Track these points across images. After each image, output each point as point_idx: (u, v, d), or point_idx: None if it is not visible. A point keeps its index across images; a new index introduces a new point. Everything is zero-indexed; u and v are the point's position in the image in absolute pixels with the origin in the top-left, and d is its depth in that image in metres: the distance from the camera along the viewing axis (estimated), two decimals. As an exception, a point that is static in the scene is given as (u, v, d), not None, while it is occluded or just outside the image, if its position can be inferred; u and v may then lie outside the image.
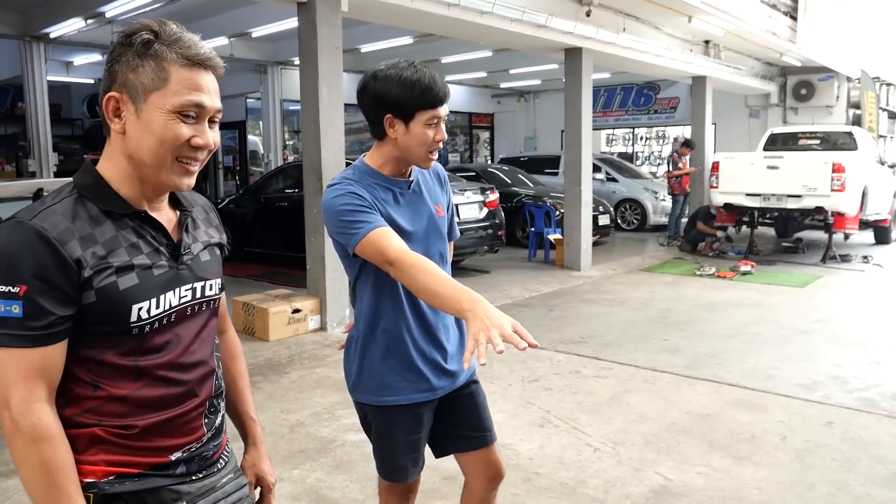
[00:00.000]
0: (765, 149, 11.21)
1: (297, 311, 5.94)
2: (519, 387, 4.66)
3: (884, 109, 14.68)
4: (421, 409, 1.95)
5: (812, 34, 10.95)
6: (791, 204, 9.55)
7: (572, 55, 8.79)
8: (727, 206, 10.19)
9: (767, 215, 10.14)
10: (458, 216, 8.26)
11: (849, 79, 13.90)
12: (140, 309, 1.18)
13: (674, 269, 9.41)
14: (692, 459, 3.47)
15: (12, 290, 1.09)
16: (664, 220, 13.07)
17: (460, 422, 2.04)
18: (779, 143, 11.23)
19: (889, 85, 15.16)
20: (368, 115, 1.87)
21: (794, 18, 10.69)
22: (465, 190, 8.66)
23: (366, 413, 1.99)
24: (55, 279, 1.11)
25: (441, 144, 1.86)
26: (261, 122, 14.60)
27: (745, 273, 8.93)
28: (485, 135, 20.47)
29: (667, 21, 9.44)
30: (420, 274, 1.65)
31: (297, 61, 12.54)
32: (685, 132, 18.83)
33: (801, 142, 10.71)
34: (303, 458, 3.57)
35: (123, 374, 1.20)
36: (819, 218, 9.67)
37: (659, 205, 13.44)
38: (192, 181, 1.23)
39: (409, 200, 1.93)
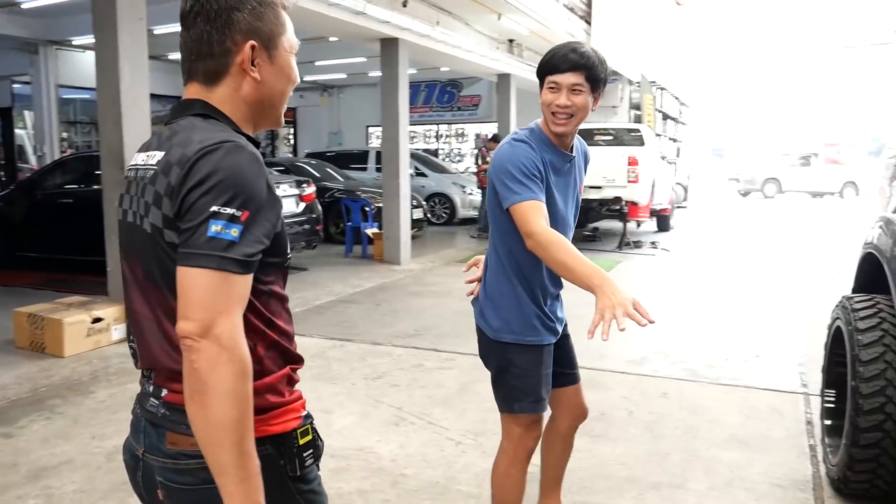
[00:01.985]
0: (563, 144, 11.88)
1: (97, 320, 5.17)
2: (364, 385, 4.40)
3: (659, 111, 16.24)
4: (551, 348, 2.21)
5: (603, 39, 11.78)
6: (592, 195, 10.19)
7: (389, 46, 8.64)
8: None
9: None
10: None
11: (630, 82, 15.19)
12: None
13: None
14: (553, 443, 3.44)
15: (236, 214, 1.07)
16: (472, 213, 13.41)
17: (561, 360, 2.31)
18: (577, 138, 11.96)
19: (663, 89, 16.82)
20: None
21: (589, 23, 11.43)
22: (280, 183, 8.18)
23: (507, 352, 2.17)
24: (268, 209, 1.12)
25: (564, 110, 2.03)
26: (28, 112, 12.83)
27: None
28: (286, 129, 19.78)
29: (478, 18, 9.62)
30: (556, 251, 1.89)
31: (76, 41, 11.28)
32: (488, 129, 19.61)
33: (596, 137, 11.48)
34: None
35: (285, 306, 1.24)
36: (615, 207, 10.43)
37: (467, 199, 13.77)
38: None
39: (567, 170, 2.15)
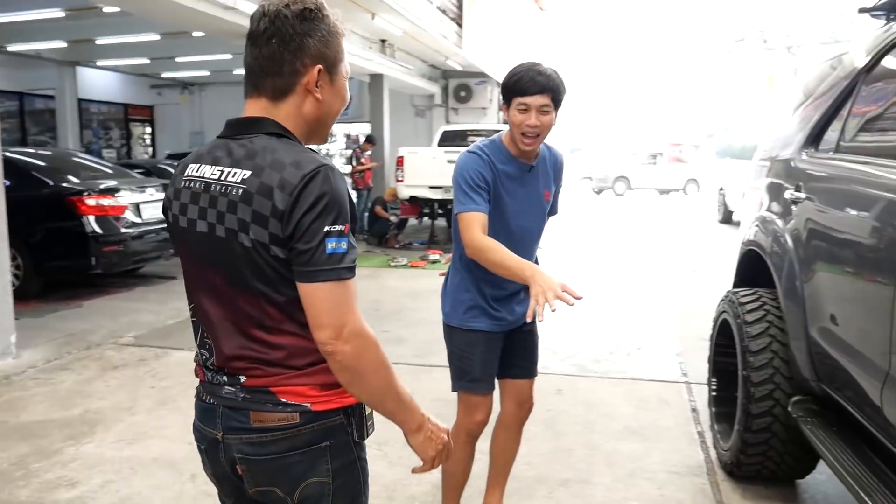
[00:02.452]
0: (439, 145, 11.97)
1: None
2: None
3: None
4: (493, 336, 2.43)
5: (474, 41, 11.98)
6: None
7: (259, 42, 8.30)
8: (412, 198, 10.66)
9: (448, 206, 10.84)
10: (140, 216, 7.30)
11: (499, 84, 15.58)
12: None
13: (368, 262, 9.53)
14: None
15: (341, 230, 1.24)
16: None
17: (518, 353, 2.53)
18: (450, 139, 12.07)
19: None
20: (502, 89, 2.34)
21: (460, 25, 11.58)
22: (146, 187, 7.64)
23: (453, 335, 2.46)
24: (351, 217, 1.28)
25: (534, 129, 2.22)
26: None
27: (434, 261, 9.41)
28: (142, 129, 18.61)
29: (351, 16, 9.47)
30: (490, 254, 2.16)
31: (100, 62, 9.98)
32: (359, 130, 19.38)
33: (469, 138, 11.66)
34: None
35: None
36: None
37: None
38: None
39: (525, 180, 2.36)
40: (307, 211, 1.22)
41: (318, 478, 1.35)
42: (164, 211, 1.44)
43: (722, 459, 3.16)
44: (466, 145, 10.92)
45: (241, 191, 1.26)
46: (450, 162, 10.29)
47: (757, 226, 3.21)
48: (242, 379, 1.34)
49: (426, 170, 10.39)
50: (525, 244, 2.40)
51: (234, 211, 1.27)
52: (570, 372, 4.69)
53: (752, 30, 22.67)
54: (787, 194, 2.88)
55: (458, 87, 15.58)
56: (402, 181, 10.58)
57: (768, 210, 3.12)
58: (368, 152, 12.04)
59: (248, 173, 1.27)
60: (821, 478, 3.05)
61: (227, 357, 1.35)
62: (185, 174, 1.36)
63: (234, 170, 1.29)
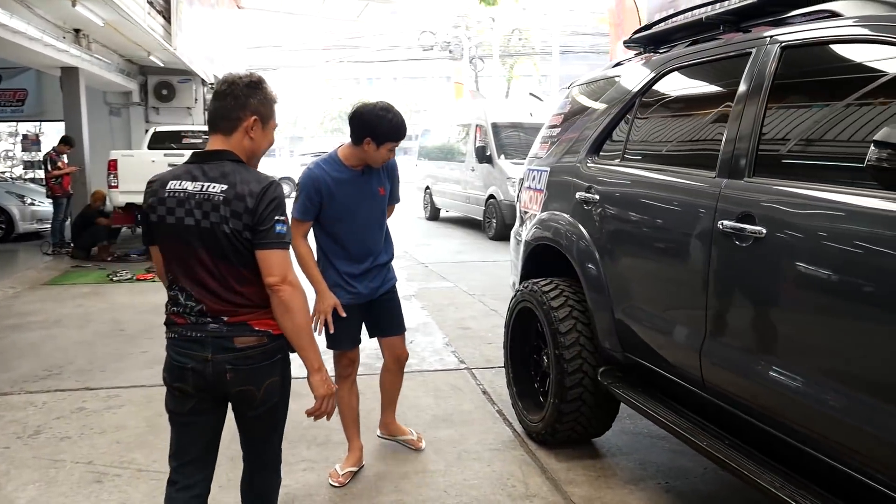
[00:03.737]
0: (149, 147, 11.07)
1: None
2: (23, 447, 3.59)
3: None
4: (351, 306, 3.09)
5: (183, 37, 11.28)
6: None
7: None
8: (129, 205, 9.73)
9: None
10: None
11: (204, 82, 14.83)
12: None
13: (84, 279, 8.52)
14: (299, 460, 3.37)
15: (285, 220, 2.03)
16: (38, 226, 11.60)
17: (383, 317, 3.29)
18: (161, 140, 11.22)
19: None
20: (354, 130, 2.93)
21: (167, 19, 10.81)
22: None
23: None
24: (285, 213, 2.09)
25: (388, 157, 3.03)
26: None
27: (164, 273, 8.73)
28: None
29: (48, 5, 8.33)
30: (301, 260, 2.93)
31: None
32: (35, 128, 16.92)
33: (186, 140, 10.98)
34: None
35: None
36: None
37: (28, 210, 11.82)
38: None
39: (359, 182, 3.03)
40: (265, 207, 1.96)
41: (275, 377, 2.09)
42: (147, 214, 2.05)
43: (533, 431, 3.58)
44: (182, 147, 10.25)
45: (222, 197, 1.95)
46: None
47: (548, 224, 3.68)
48: (225, 318, 2.02)
49: (144, 174, 9.48)
50: (369, 228, 3.14)
51: (217, 210, 1.95)
52: (363, 372, 4.80)
53: (438, 40, 24.69)
54: (579, 195, 3.37)
55: (158, 84, 14.48)
56: (115, 187, 9.59)
57: (560, 210, 3.60)
58: (64, 155, 10.64)
59: (226, 186, 1.96)
60: (609, 433, 3.61)
61: (213, 306, 2.02)
62: (168, 188, 2.01)
63: (213, 184, 1.97)
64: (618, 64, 3.77)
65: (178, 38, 10.95)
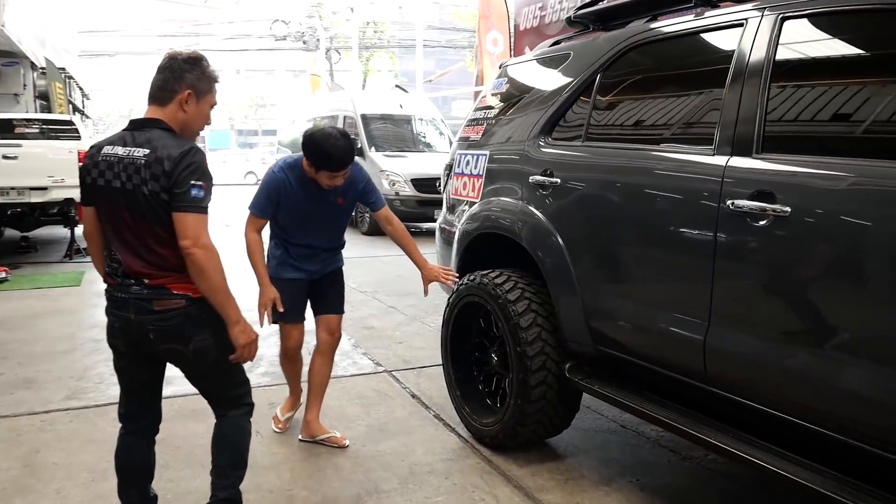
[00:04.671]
0: (-27, 137, 9.61)
1: None
2: None
3: (70, 102, 14.57)
4: (296, 284, 3.29)
5: (11, 10, 9.90)
6: (36, 198, 8.58)
7: None
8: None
9: (9, 212, 8.83)
10: None
11: (34, 66, 13.19)
12: None
13: None
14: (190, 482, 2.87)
15: (201, 184, 2.09)
16: None
17: (321, 294, 3.39)
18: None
19: (71, 78, 15.10)
20: (306, 153, 3.03)
21: (-6, -9, 9.42)
22: None
23: (275, 284, 3.16)
24: (211, 181, 2.15)
25: (335, 185, 3.09)
26: None
27: (2, 281, 7.59)
28: None
29: None
30: (249, 250, 3.13)
31: None
32: None
33: (18, 129, 9.65)
34: None
35: None
36: (55, 211, 9.02)
37: None
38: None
39: (316, 192, 3.14)
40: (182, 170, 2.04)
41: (202, 336, 2.19)
42: (84, 176, 2.18)
43: (486, 435, 3.30)
44: (14, 136, 8.96)
45: (143, 161, 2.06)
46: (7, 158, 8.40)
47: (493, 212, 3.41)
48: (146, 281, 2.13)
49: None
50: (324, 234, 3.30)
51: (138, 173, 2.06)
52: (268, 382, 4.31)
53: (291, 30, 23.71)
54: (533, 179, 3.13)
55: (-23, 67, 12.67)
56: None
57: (507, 196, 3.35)
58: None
59: (149, 151, 2.07)
60: (566, 432, 3.41)
61: (134, 268, 2.14)
62: (102, 153, 2.15)
63: (139, 149, 2.09)
64: (556, 42, 3.58)
65: (5, 12, 9.59)
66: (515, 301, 3.09)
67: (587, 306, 2.86)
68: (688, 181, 2.43)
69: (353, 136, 12.07)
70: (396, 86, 16.18)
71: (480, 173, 3.60)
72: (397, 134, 12.86)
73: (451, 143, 12.89)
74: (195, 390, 2.44)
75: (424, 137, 13.22)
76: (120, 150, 2.10)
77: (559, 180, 3.00)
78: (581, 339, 2.93)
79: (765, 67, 2.24)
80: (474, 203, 3.61)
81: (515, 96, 3.54)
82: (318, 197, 3.13)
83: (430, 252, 4.13)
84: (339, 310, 3.43)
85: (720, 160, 2.30)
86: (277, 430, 3.54)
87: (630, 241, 2.68)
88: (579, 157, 2.98)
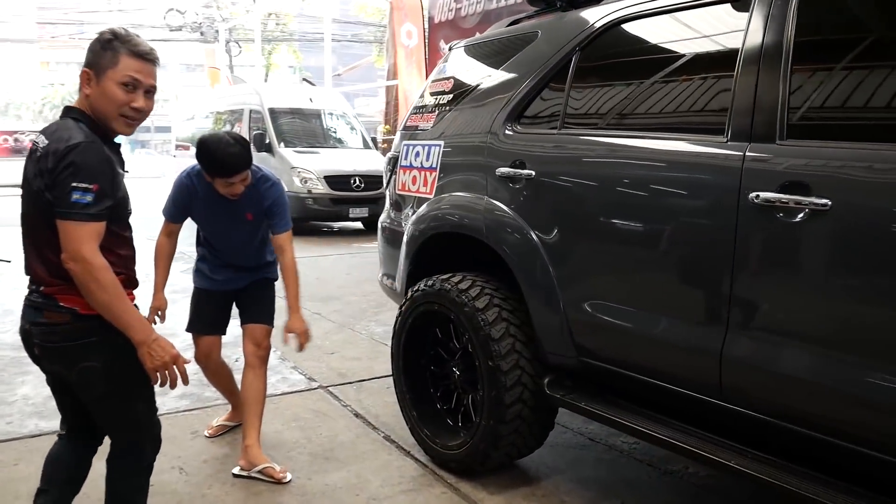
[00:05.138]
0: None
1: None
2: None
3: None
4: (211, 294, 3.22)
5: None
6: None
7: None
8: None
9: None
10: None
11: None
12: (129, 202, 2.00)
13: None
14: None
15: (87, 187, 1.77)
16: None
17: (246, 304, 3.23)
18: None
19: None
20: (199, 160, 2.85)
21: None
22: None
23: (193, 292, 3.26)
24: (109, 183, 1.84)
25: (238, 194, 2.92)
26: None
27: None
28: None
29: None
30: (155, 252, 3.09)
31: None
32: None
33: None
34: None
35: (124, 241, 1.98)
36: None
37: None
38: (132, 131, 1.95)
39: (221, 203, 2.97)
40: (61, 170, 1.78)
41: (91, 363, 1.90)
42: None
43: (451, 460, 2.94)
44: None
45: (41, 153, 1.85)
46: None
47: (453, 209, 3.05)
48: (42, 288, 1.92)
49: None
50: (239, 251, 3.16)
51: (36, 165, 1.86)
52: (190, 406, 3.78)
53: (187, 20, 22.38)
54: (502, 171, 2.80)
55: None
56: None
57: (469, 191, 2.99)
58: None
59: (48, 142, 1.85)
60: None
61: (34, 271, 1.94)
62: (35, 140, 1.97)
63: (45, 139, 1.88)
64: (514, 22, 3.25)
65: None
66: (484, 309, 2.75)
67: (570, 314, 2.55)
68: (697, 172, 2.15)
69: (260, 132, 11.55)
70: (304, 79, 15.52)
71: (434, 166, 3.23)
72: (308, 129, 12.25)
73: (364, 140, 12.60)
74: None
75: (336, 133, 12.68)
76: (37, 139, 1.91)
77: (533, 173, 2.67)
78: (562, 350, 2.62)
79: (787, 40, 1.98)
80: (427, 199, 3.23)
81: (473, 80, 3.19)
82: (227, 209, 2.98)
83: (368, 253, 3.72)
84: (263, 319, 3.18)
85: (737, 149, 2.03)
86: (207, 434, 3.39)
87: (624, 241, 2.38)
88: (557, 148, 2.66)
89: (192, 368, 4.24)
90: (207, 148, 2.78)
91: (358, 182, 11.03)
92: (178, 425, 3.49)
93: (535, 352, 2.72)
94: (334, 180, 10.89)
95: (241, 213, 3.00)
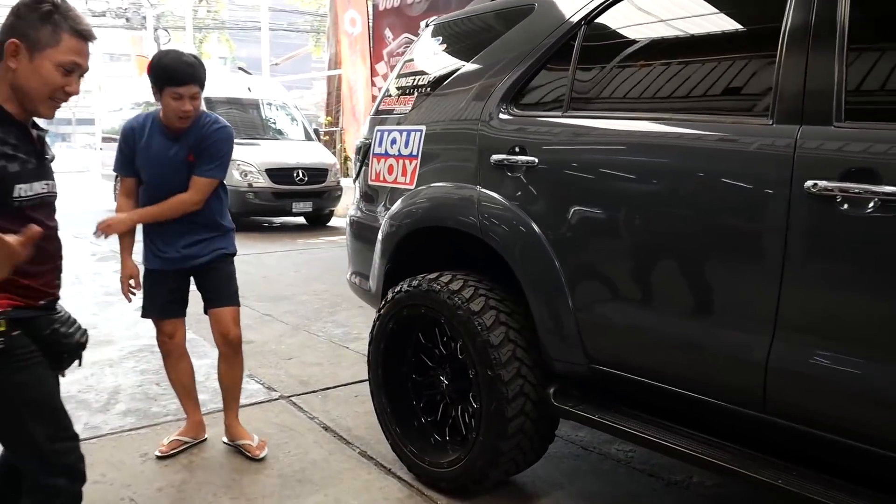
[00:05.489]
0: None
1: None
2: None
3: None
4: (162, 274, 2.93)
5: None
6: None
7: None
8: None
9: None
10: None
11: None
12: (20, 188, 1.63)
13: None
14: None
15: None
16: None
17: (206, 285, 2.99)
18: None
19: None
20: (151, 71, 2.71)
21: None
22: None
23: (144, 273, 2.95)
24: None
25: (187, 114, 2.72)
26: None
27: None
28: None
29: None
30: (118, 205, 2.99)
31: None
32: None
33: None
34: None
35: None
36: None
37: None
38: (54, 114, 1.74)
39: (166, 145, 2.81)
40: None
41: None
42: None
43: (442, 478, 2.66)
44: None
45: None
46: None
47: (440, 201, 2.76)
48: None
49: None
50: (171, 193, 2.82)
51: None
52: (137, 425, 3.37)
53: (111, 6, 21.20)
54: (497, 158, 2.52)
55: None
56: None
57: (457, 180, 2.70)
58: None
59: None
60: (525, 464, 2.85)
61: None
62: None
63: None
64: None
65: None
66: (480, 312, 2.47)
67: (581, 316, 2.29)
68: (736, 158, 1.92)
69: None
70: (239, 68, 14.88)
71: (414, 153, 2.92)
72: (246, 120, 11.68)
73: (306, 131, 12.10)
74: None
75: (276, 124, 12.15)
76: None
77: (535, 160, 2.40)
78: (570, 357, 2.36)
79: (842, 8, 1.77)
80: (407, 190, 2.93)
81: (458, 59, 2.90)
82: (169, 150, 2.80)
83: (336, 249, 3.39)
84: (227, 301, 2.98)
85: (786, 132, 1.81)
86: (158, 452, 2.99)
87: (647, 237, 2.14)
88: (565, 133, 2.39)
89: (136, 381, 3.84)
90: (162, 58, 2.73)
91: (301, 175, 10.58)
92: (124, 447, 3.09)
93: (535, 359, 2.47)
94: (276, 173, 10.41)
95: (182, 156, 2.80)
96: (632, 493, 2.75)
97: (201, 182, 2.83)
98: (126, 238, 2.88)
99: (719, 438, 2.06)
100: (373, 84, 11.29)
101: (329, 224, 11.47)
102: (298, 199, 10.62)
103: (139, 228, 2.89)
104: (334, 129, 14.81)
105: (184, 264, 2.92)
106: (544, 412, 2.48)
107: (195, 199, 2.83)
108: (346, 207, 12.40)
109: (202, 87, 2.72)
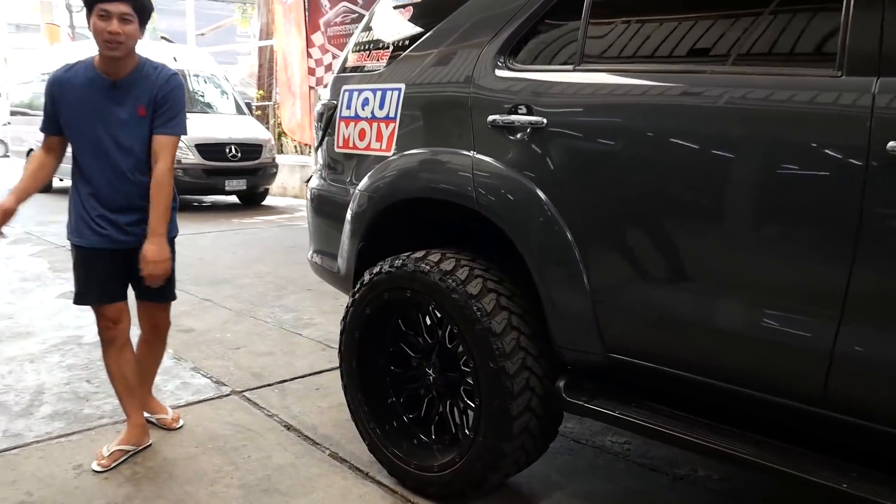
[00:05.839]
0: None
1: None
2: None
3: None
4: (99, 252, 2.50)
5: None
6: None
7: None
8: None
9: None
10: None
11: None
12: None
13: None
14: None
15: None
16: None
17: (135, 274, 2.50)
18: None
19: None
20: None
21: None
22: None
23: (71, 250, 2.56)
24: None
25: (115, 37, 2.28)
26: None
27: None
28: None
29: None
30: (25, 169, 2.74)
31: None
32: None
33: None
34: None
35: None
36: None
37: None
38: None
39: (104, 91, 2.40)
40: None
41: None
42: None
43: (431, 484, 2.35)
44: None
45: None
46: None
47: (425, 168, 2.43)
48: None
49: None
50: (111, 154, 2.45)
51: None
52: (63, 431, 2.92)
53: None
54: (494, 119, 2.20)
55: None
56: None
57: (445, 145, 2.37)
58: None
59: None
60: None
61: None
62: None
63: None
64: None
65: None
66: (478, 296, 2.16)
67: (600, 299, 2.01)
68: (795, 116, 1.66)
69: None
70: (162, 37, 13.97)
71: (391, 115, 2.57)
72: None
73: (237, 104, 11.43)
74: None
75: (205, 97, 11.43)
76: None
77: (544, 120, 2.09)
78: (584, 345, 2.08)
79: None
80: (383, 158, 2.58)
81: (443, 6, 2.54)
82: (107, 99, 2.41)
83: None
84: (161, 297, 2.70)
85: (860, 86, 1.55)
86: (97, 467, 2.56)
87: (690, 206, 1.85)
88: (582, 89, 2.08)
89: (63, 378, 3.37)
90: None
91: (234, 151, 9.97)
92: (53, 458, 2.65)
93: (542, 348, 2.18)
94: (207, 149, 9.77)
95: (129, 106, 2.42)
96: (636, 489, 2.52)
97: (168, 141, 2.47)
98: (28, 179, 2.51)
99: (760, 435, 1.83)
100: (308, 56, 10.74)
101: (264, 203, 10.90)
102: (231, 177, 10.01)
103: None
104: (267, 103, 14.11)
105: (123, 244, 2.53)
106: (551, 408, 2.20)
107: (170, 164, 2.47)
108: (282, 186, 11.87)
109: (140, 13, 2.33)
